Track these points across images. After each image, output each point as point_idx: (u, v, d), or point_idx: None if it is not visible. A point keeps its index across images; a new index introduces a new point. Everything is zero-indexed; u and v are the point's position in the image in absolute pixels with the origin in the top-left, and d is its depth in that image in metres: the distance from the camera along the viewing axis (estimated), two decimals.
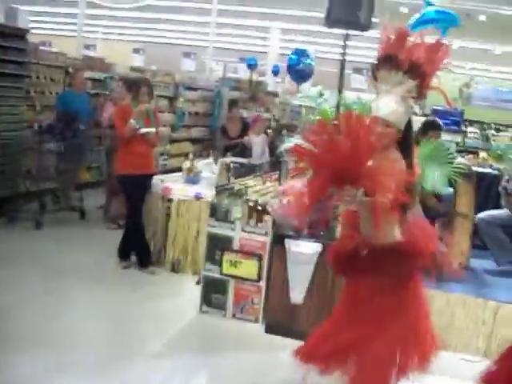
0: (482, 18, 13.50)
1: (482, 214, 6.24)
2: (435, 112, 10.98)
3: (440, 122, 6.57)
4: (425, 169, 5.11)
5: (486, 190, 7.07)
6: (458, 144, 10.32)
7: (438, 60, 3.25)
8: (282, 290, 5.11)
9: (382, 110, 3.19)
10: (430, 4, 10.41)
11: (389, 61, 3.19)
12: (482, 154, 9.59)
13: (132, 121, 6.10)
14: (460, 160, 6.16)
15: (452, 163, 5.28)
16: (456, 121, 12.43)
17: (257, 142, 8.49)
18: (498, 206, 6.48)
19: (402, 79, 3.18)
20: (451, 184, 5.53)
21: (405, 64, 3.16)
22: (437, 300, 5.15)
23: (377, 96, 3.28)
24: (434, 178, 4.98)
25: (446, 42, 3.29)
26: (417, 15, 10.25)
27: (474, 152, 9.98)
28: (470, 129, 14.45)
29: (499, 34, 13.93)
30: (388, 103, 3.19)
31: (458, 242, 5.88)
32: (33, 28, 10.78)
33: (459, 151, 9.00)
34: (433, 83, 3.34)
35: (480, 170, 7.18)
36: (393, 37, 3.23)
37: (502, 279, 5.82)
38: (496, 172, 7.24)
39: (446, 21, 10.29)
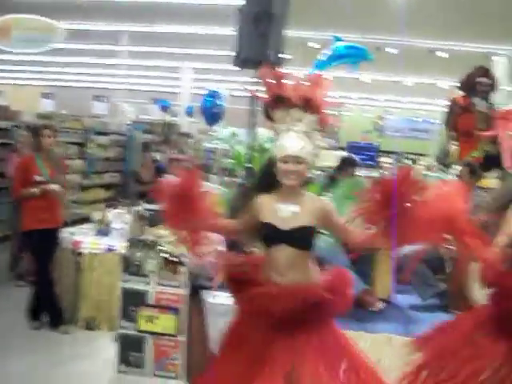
0: (393, 50, 13.77)
1: (405, 249, 6.17)
2: (351, 147, 11.07)
3: (355, 158, 6.59)
4: (343, 208, 5.03)
5: None
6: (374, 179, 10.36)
7: (323, 93, 3.29)
8: (202, 344, 4.88)
9: (290, 149, 3.18)
10: (339, 39, 10.55)
11: (281, 101, 3.21)
12: None
13: (37, 177, 5.86)
14: None
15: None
16: (372, 155, 12.60)
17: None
18: None
19: (300, 115, 3.24)
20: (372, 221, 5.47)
21: (298, 100, 3.19)
22: (361, 341, 5.02)
23: (277, 136, 3.29)
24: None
25: (324, 75, 3.46)
26: (327, 51, 10.38)
27: None
28: (385, 159, 14.65)
29: (410, 65, 14.24)
30: (294, 140, 3.21)
31: (381, 278, 5.79)
32: None
33: None
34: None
35: None
36: (273, 79, 3.28)
37: (427, 314, 5.75)
38: None
39: (356, 55, 10.45)
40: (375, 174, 11.11)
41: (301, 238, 3.30)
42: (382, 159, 14.85)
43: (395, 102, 23.88)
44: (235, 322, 3.47)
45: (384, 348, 5.02)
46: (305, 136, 3.23)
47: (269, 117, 3.31)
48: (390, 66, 15.07)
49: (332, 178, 6.23)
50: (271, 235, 3.30)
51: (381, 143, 16.46)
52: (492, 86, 7.90)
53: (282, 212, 3.28)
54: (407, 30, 12.59)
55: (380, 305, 5.55)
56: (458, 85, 8.07)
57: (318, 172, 7.57)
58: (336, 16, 11.77)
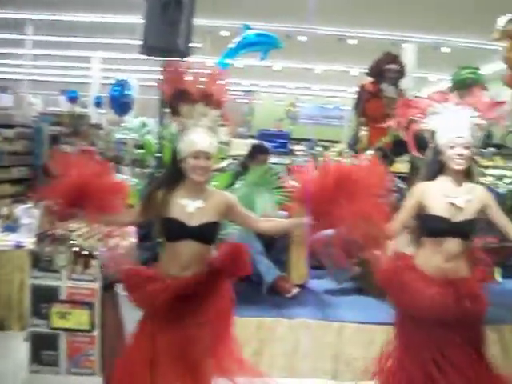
0: (303, 38, 13.86)
1: (317, 235, 6.22)
2: (262, 135, 11.08)
3: (267, 145, 6.57)
4: (254, 195, 5.03)
5: None
6: (286, 165, 10.41)
7: (224, 88, 3.33)
8: (117, 338, 4.77)
9: (200, 144, 3.18)
10: (248, 28, 10.54)
11: (184, 96, 3.21)
12: None
13: None
14: (291, 183, 6.14)
15: (282, 187, 5.25)
16: (283, 143, 12.66)
17: None
18: None
19: (204, 110, 3.26)
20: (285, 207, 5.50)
21: (199, 95, 3.22)
22: (279, 327, 5.05)
23: (183, 131, 3.29)
24: (264, 204, 4.92)
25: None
26: (237, 39, 10.35)
27: None
28: (297, 147, 14.78)
29: (321, 53, 14.38)
30: (203, 136, 3.24)
31: (296, 265, 5.84)
32: None
33: (289, 172, 9.07)
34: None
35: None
36: (175, 73, 3.30)
37: (342, 297, 5.85)
38: None
39: (267, 43, 10.47)
40: (287, 161, 11.24)
41: (206, 233, 3.33)
42: (296, 147, 15.02)
43: (307, 90, 24.10)
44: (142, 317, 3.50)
45: (301, 333, 5.07)
46: (210, 131, 3.27)
47: (175, 112, 3.29)
48: (301, 54, 15.17)
49: (244, 166, 6.20)
50: (177, 231, 3.29)
51: (292, 130, 16.56)
52: (401, 73, 8.03)
53: (188, 208, 3.27)
54: (317, 17, 12.65)
55: (296, 290, 5.59)
56: (367, 71, 8.18)
57: (230, 160, 7.57)
58: (246, 4, 11.76)
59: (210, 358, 3.31)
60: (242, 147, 6.98)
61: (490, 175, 10.06)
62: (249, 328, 4.97)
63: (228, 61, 10.61)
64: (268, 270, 5.56)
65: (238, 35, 10.42)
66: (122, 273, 3.56)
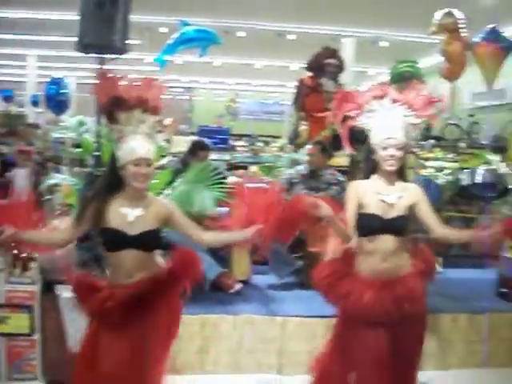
0: (243, 34, 13.86)
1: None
2: (202, 131, 11.06)
3: (207, 141, 6.56)
4: (193, 192, 5.02)
5: None
6: (227, 161, 10.43)
7: (158, 92, 3.32)
8: (59, 341, 4.70)
9: (141, 151, 3.17)
10: (187, 24, 10.49)
11: (120, 103, 3.17)
12: (253, 168, 9.77)
13: None
14: (231, 179, 6.16)
15: (222, 183, 5.25)
16: (224, 139, 12.66)
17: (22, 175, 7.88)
18: None
19: (142, 117, 3.22)
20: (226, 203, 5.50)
21: (136, 102, 3.18)
22: (223, 323, 5.05)
23: (122, 138, 3.21)
24: (204, 201, 4.91)
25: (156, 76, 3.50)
26: (176, 35, 10.28)
27: (245, 167, 10.12)
28: (238, 143, 14.80)
29: (260, 48, 14.41)
30: (143, 143, 3.19)
31: (238, 261, 5.84)
32: None
33: (229, 169, 9.09)
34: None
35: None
36: (109, 81, 3.27)
37: (285, 292, 5.86)
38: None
39: (205, 39, 10.44)
40: (228, 157, 11.24)
41: (148, 241, 3.28)
42: (237, 143, 15.03)
43: (247, 85, 24.15)
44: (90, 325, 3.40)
45: (246, 328, 5.07)
46: (149, 137, 3.23)
47: (111, 119, 3.22)
48: (240, 50, 15.18)
49: (184, 163, 6.17)
50: (118, 241, 3.23)
51: (233, 126, 16.57)
52: (340, 67, 8.12)
53: (128, 216, 3.22)
54: (256, 13, 12.73)
55: (239, 286, 5.59)
56: (306, 66, 8.23)
57: (170, 158, 7.52)
58: (185, 1, 11.69)
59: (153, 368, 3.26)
60: (182, 144, 6.95)
61: (431, 167, 10.27)
62: (193, 325, 4.95)
63: (167, 57, 10.56)
64: (210, 267, 5.53)
65: (176, 31, 10.36)
66: (72, 280, 3.45)
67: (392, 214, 3.42)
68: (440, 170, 9.80)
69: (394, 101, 3.50)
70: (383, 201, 3.42)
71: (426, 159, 10.00)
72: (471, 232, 3.85)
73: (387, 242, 3.41)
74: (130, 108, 3.18)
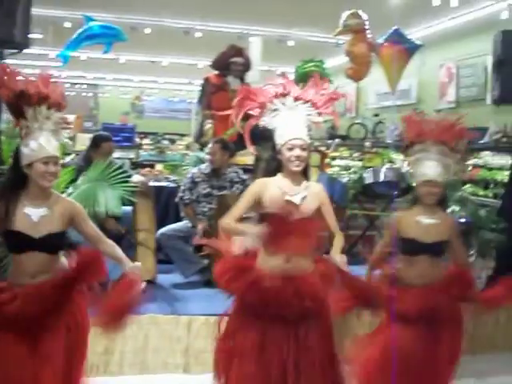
0: (148, 30, 13.71)
1: (164, 229, 6.22)
2: (107, 129, 10.89)
3: (107, 133, 6.46)
4: (97, 191, 4.94)
5: (165, 204, 7.10)
6: (131, 160, 10.32)
7: (59, 90, 3.25)
8: None
9: (48, 149, 3.11)
10: (91, 19, 10.29)
11: (24, 99, 3.09)
12: (158, 167, 9.70)
13: None
14: (136, 177, 6.08)
15: (126, 181, 5.19)
16: (129, 136, 12.51)
17: None
18: (178, 218, 6.52)
19: (48, 113, 3.14)
20: (130, 202, 5.45)
21: (40, 98, 3.11)
22: (128, 323, 4.99)
23: (29, 135, 3.13)
24: (108, 199, 4.84)
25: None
26: (80, 30, 10.08)
27: (150, 165, 10.03)
28: (144, 141, 14.67)
29: (166, 45, 14.28)
30: (50, 140, 3.14)
31: (143, 260, 5.78)
32: None
33: (134, 167, 9.00)
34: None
35: (157, 183, 7.18)
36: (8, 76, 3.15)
37: (190, 291, 5.86)
38: (173, 184, 7.29)
39: (110, 35, 10.27)
40: (132, 155, 11.11)
41: (52, 243, 3.20)
42: (142, 141, 14.89)
43: (153, 83, 23.90)
44: None
45: (150, 328, 5.02)
46: (54, 134, 3.16)
47: (17, 115, 3.13)
48: (147, 46, 15.02)
49: (87, 160, 6.00)
50: (21, 244, 3.14)
51: (138, 124, 16.41)
52: (246, 66, 8.16)
53: (32, 217, 3.12)
54: (163, 9, 12.61)
55: (143, 286, 5.53)
56: (212, 64, 8.24)
57: (73, 155, 7.37)
58: None
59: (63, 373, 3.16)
60: (87, 142, 6.78)
61: (337, 166, 10.49)
62: (96, 326, 4.86)
63: (71, 53, 10.33)
64: (114, 267, 5.46)
65: (80, 27, 10.16)
66: None
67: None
68: (346, 168, 10.03)
69: (296, 98, 3.49)
70: (288, 201, 3.41)
71: (333, 158, 10.20)
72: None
73: None
74: (35, 103, 3.09)
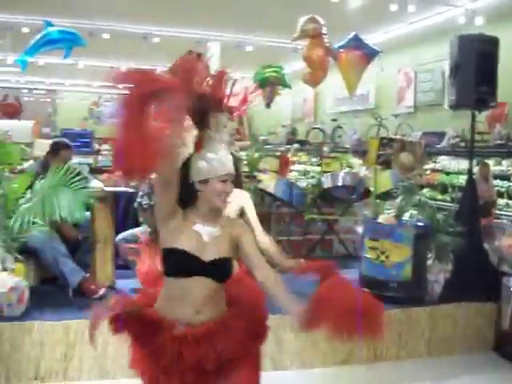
0: (106, 36, 13.68)
1: (123, 234, 6.22)
2: (65, 134, 10.84)
3: (67, 140, 6.44)
4: (59, 196, 4.93)
5: (125, 209, 7.09)
6: (90, 165, 10.25)
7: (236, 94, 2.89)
8: None
9: (227, 163, 2.72)
10: (50, 25, 10.25)
11: (218, 104, 2.74)
12: (117, 172, 9.62)
13: None
14: (95, 183, 6.08)
15: (85, 187, 5.18)
16: (87, 142, 12.48)
17: None
18: (137, 223, 6.52)
19: (226, 122, 2.76)
20: (88, 208, 5.44)
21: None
22: (87, 329, 4.95)
23: (208, 146, 2.71)
24: (68, 205, 4.84)
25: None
26: (39, 36, 10.03)
27: (109, 171, 9.96)
28: (103, 147, 14.62)
29: (125, 51, 14.24)
30: (227, 155, 2.74)
31: (102, 266, 5.77)
32: None
33: (94, 172, 8.95)
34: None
35: (116, 189, 7.15)
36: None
37: None
38: (132, 189, 7.28)
39: (69, 41, 10.25)
40: (91, 160, 11.03)
41: (224, 270, 2.78)
42: (101, 146, 14.81)
43: (111, 88, 23.72)
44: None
45: (110, 334, 5.00)
46: (229, 147, 2.78)
47: (198, 122, 2.70)
48: (105, 52, 14.96)
49: (44, 166, 5.98)
50: (189, 266, 2.70)
51: (96, 130, 16.35)
52: None
53: (203, 236, 2.74)
54: (121, 15, 12.60)
55: (103, 291, 5.53)
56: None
57: (31, 161, 7.31)
58: (48, 0, 11.38)
59: None
60: (45, 148, 6.73)
61: (296, 170, 10.56)
62: (56, 332, 4.84)
63: (29, 58, 10.28)
64: (72, 272, 5.46)
65: (39, 32, 10.11)
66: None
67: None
68: (304, 173, 10.11)
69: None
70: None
71: (292, 163, 10.26)
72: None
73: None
74: (219, 109, 2.74)
